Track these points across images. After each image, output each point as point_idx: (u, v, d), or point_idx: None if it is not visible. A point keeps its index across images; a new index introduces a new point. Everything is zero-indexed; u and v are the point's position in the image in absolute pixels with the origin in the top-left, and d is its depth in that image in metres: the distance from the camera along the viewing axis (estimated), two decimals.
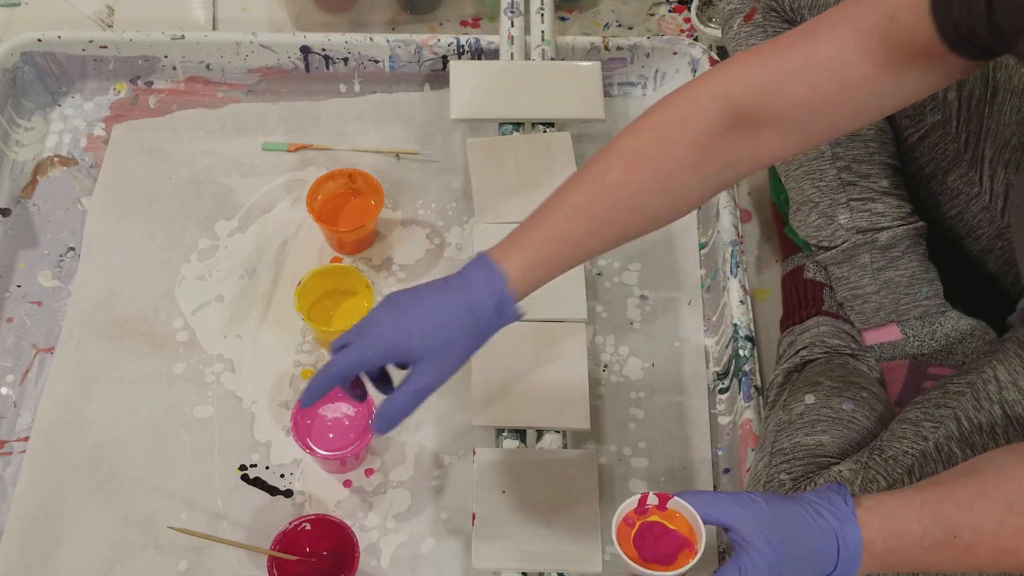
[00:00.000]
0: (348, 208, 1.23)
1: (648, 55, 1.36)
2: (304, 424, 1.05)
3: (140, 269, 1.22)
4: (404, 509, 1.07)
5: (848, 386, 0.98)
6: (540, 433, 1.05)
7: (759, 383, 1.08)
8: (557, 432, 1.04)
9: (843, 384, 0.98)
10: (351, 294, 1.17)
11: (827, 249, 1.09)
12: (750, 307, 1.13)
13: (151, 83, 1.39)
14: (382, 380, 0.84)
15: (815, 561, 0.69)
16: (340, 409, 1.06)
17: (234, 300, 1.20)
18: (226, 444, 1.10)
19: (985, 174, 1.00)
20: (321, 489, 1.07)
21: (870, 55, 0.71)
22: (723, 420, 1.11)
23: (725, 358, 1.13)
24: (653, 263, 1.25)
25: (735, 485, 1.04)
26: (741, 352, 1.09)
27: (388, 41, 1.34)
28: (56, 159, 1.32)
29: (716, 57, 1.33)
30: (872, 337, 1.07)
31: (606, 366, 1.17)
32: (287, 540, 0.96)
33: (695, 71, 1.35)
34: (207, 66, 1.37)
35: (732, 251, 1.16)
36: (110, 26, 1.48)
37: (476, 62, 1.31)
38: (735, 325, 1.11)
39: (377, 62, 1.37)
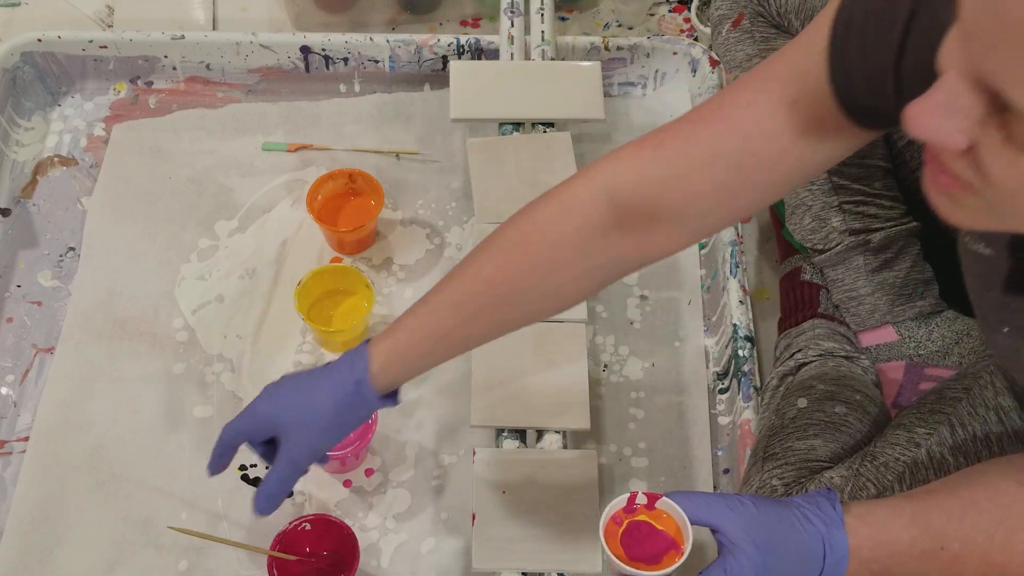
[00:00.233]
0: (348, 208, 1.23)
1: (648, 55, 1.36)
2: None
3: (140, 269, 1.22)
4: (404, 509, 1.07)
5: (841, 389, 0.98)
6: (540, 433, 1.05)
7: (759, 383, 1.08)
8: (557, 432, 1.04)
9: (836, 387, 0.98)
10: (351, 294, 1.17)
11: (821, 252, 1.09)
12: (750, 307, 1.13)
13: (151, 83, 1.39)
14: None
15: (801, 565, 0.69)
16: None
17: (234, 300, 1.20)
18: None
19: None
20: (321, 489, 1.07)
21: (776, 140, 0.67)
22: (723, 420, 1.11)
23: (725, 358, 1.13)
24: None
25: (735, 485, 1.04)
26: (741, 352, 1.09)
27: (388, 41, 1.34)
28: (56, 159, 1.32)
29: (716, 57, 1.33)
30: (868, 339, 1.07)
31: (606, 366, 1.17)
32: (287, 540, 0.96)
33: (695, 71, 1.35)
34: (207, 66, 1.37)
35: (732, 251, 1.16)
36: (110, 26, 1.48)
37: (476, 62, 1.31)
38: (735, 325, 1.11)
39: (377, 62, 1.37)
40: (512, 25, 1.32)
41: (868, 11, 0.62)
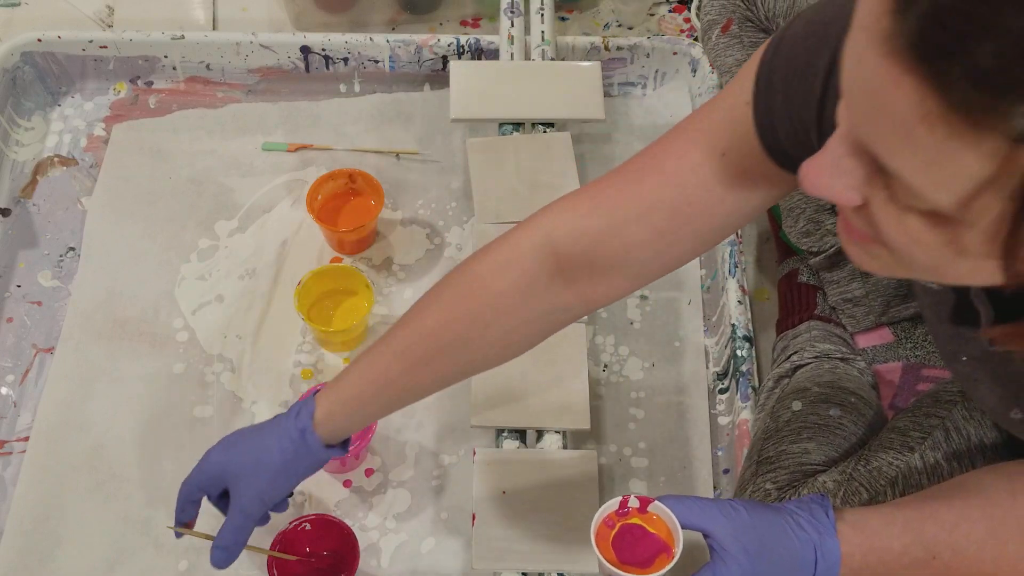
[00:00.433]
0: (348, 208, 1.23)
1: (648, 55, 1.36)
2: None
3: (140, 269, 1.22)
4: (404, 509, 1.07)
5: (836, 392, 0.98)
6: (540, 433, 1.05)
7: (757, 384, 1.08)
8: (557, 432, 1.04)
9: (831, 390, 0.98)
10: (351, 294, 1.17)
11: (816, 254, 1.09)
12: (748, 307, 1.13)
13: (151, 83, 1.39)
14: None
15: (792, 572, 0.69)
16: None
17: (234, 300, 1.20)
18: None
19: None
20: (321, 489, 1.07)
21: (710, 190, 0.68)
22: (723, 420, 1.11)
23: (724, 358, 1.13)
24: None
25: (735, 486, 1.04)
26: (739, 352, 1.09)
27: (388, 41, 1.34)
28: (56, 159, 1.32)
29: None
30: (864, 340, 1.07)
31: (606, 366, 1.17)
32: (287, 540, 0.96)
33: (695, 71, 1.35)
34: (207, 66, 1.37)
35: (731, 251, 1.16)
36: (110, 26, 1.48)
37: (476, 62, 1.31)
38: (733, 325, 1.11)
39: (377, 62, 1.37)
40: (512, 25, 1.32)
41: (789, 65, 0.63)
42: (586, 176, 1.29)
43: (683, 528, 0.71)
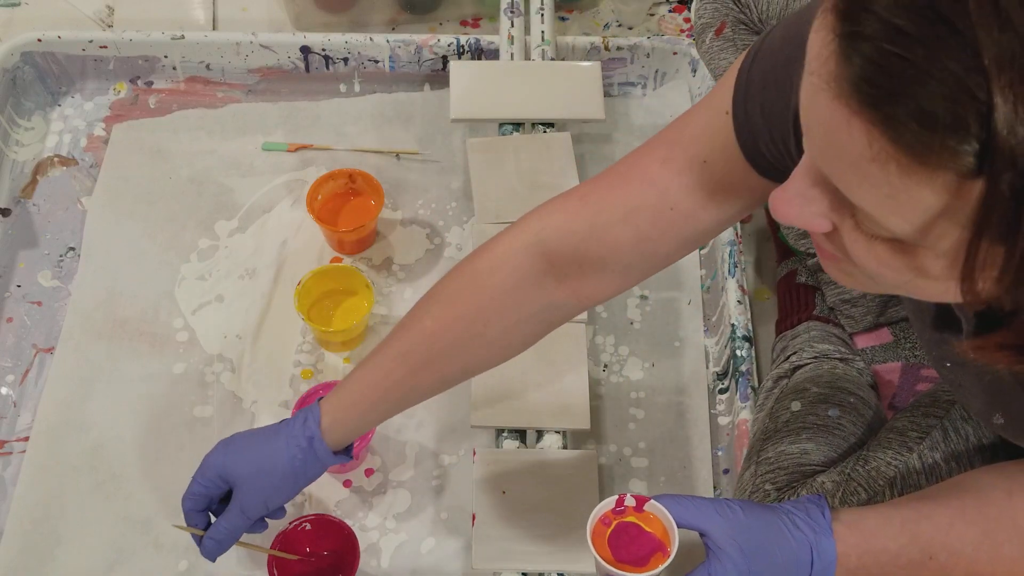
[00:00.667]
0: (348, 208, 1.23)
1: (648, 55, 1.36)
2: None
3: (140, 269, 1.22)
4: (404, 509, 1.07)
5: (835, 392, 0.98)
6: (540, 433, 1.05)
7: (756, 384, 1.08)
8: (557, 432, 1.04)
9: (830, 390, 0.98)
10: (351, 294, 1.17)
11: (814, 255, 1.09)
12: (748, 307, 1.13)
13: (151, 83, 1.39)
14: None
15: (788, 572, 0.70)
16: None
17: (234, 300, 1.20)
18: None
19: None
20: (321, 489, 1.07)
21: (692, 195, 0.70)
22: (723, 420, 1.11)
23: (724, 358, 1.13)
24: None
25: (734, 486, 1.04)
26: (739, 352, 1.09)
27: (388, 41, 1.35)
28: (56, 159, 1.32)
29: None
30: (864, 341, 1.07)
31: (606, 366, 1.17)
32: (287, 540, 0.96)
33: (695, 71, 1.35)
34: (207, 66, 1.37)
35: (731, 251, 1.16)
36: (110, 26, 1.48)
37: (476, 62, 1.31)
38: (733, 325, 1.11)
39: (377, 62, 1.37)
40: (512, 25, 1.32)
41: (767, 75, 0.65)
42: (586, 176, 1.29)
43: (679, 527, 0.72)
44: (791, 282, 1.15)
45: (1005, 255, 0.43)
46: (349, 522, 0.98)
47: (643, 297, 1.22)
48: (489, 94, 1.26)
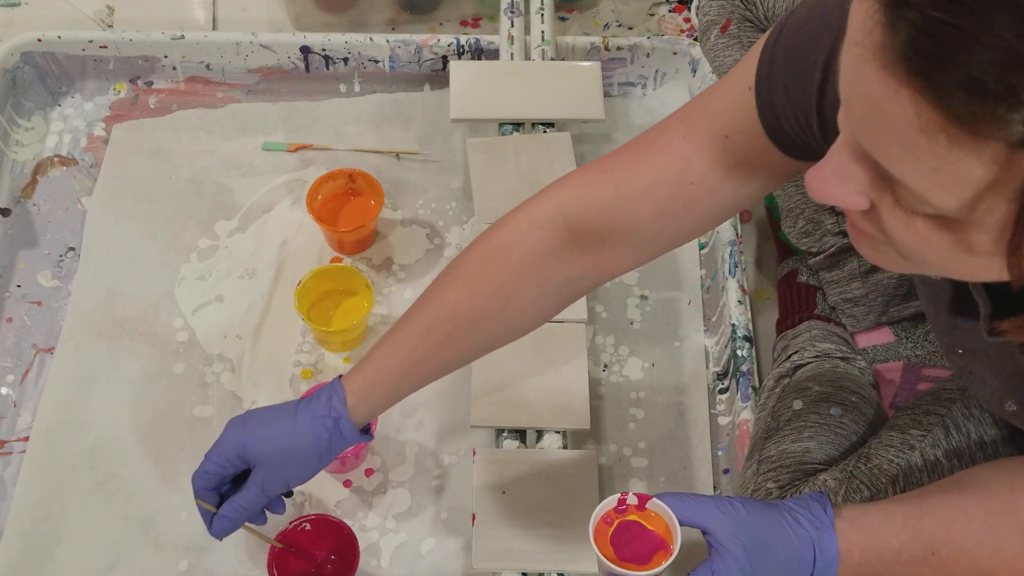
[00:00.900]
0: (348, 208, 1.23)
1: (648, 55, 1.36)
2: None
3: (140, 269, 1.22)
4: (404, 509, 1.07)
5: (837, 391, 0.98)
6: (540, 433, 1.05)
7: (757, 383, 1.08)
8: (557, 432, 1.04)
9: (832, 389, 0.98)
10: (351, 294, 1.17)
11: (816, 254, 1.09)
12: (748, 307, 1.13)
13: (151, 83, 1.39)
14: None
15: (790, 569, 0.69)
16: None
17: (234, 300, 1.20)
18: None
19: None
20: (321, 489, 1.07)
21: (712, 170, 0.70)
22: (723, 420, 1.11)
23: (724, 358, 1.13)
24: (653, 263, 1.23)
25: (735, 486, 1.04)
26: (739, 352, 1.09)
27: (388, 41, 1.35)
28: (56, 159, 1.32)
29: None
30: (865, 340, 1.07)
31: (606, 366, 1.17)
32: (287, 540, 0.96)
33: (695, 71, 1.35)
34: (207, 66, 1.37)
35: (731, 251, 1.16)
36: (110, 26, 1.48)
37: (476, 62, 1.31)
38: (733, 325, 1.11)
39: (377, 62, 1.37)
40: (512, 25, 1.32)
41: (791, 51, 0.64)
42: None
43: (681, 525, 0.71)
44: (792, 281, 1.15)
45: None
46: (349, 522, 0.98)
47: (643, 297, 1.22)
48: (489, 94, 1.26)
